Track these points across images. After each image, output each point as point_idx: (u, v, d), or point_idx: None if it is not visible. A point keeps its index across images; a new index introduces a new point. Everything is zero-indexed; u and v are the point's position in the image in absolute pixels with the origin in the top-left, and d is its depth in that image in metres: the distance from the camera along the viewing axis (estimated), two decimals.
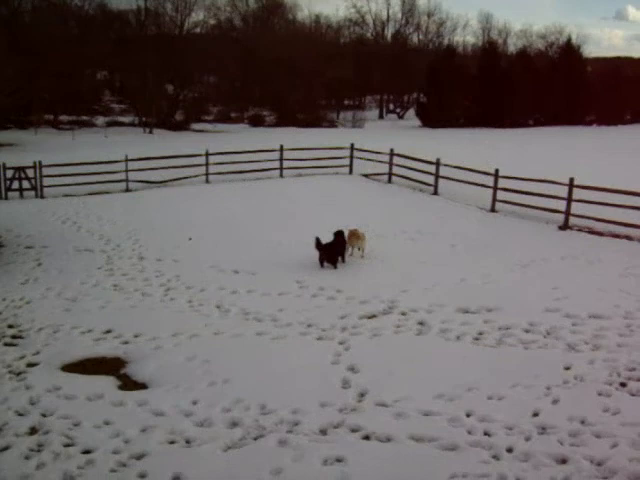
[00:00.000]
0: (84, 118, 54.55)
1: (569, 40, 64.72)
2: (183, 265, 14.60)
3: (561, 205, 18.19)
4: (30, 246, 16.38)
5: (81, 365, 9.60)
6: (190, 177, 25.25)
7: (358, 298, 12.12)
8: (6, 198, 22.85)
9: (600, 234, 17.23)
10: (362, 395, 8.44)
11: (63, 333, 10.72)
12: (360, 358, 9.51)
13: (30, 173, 23.22)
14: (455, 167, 22.20)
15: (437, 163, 22.98)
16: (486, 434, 7.46)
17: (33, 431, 7.69)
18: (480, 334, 10.40)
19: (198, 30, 65.05)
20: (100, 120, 55.34)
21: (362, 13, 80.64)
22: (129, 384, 9.01)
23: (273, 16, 74.81)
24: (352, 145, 27.89)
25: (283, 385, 8.73)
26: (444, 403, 8.17)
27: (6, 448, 7.34)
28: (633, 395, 8.34)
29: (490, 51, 63.19)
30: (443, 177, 22.77)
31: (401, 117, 75.96)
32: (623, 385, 8.60)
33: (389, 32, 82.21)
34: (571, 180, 17.98)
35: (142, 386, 8.94)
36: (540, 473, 6.73)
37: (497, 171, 20.23)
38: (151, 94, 52.22)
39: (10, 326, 11.05)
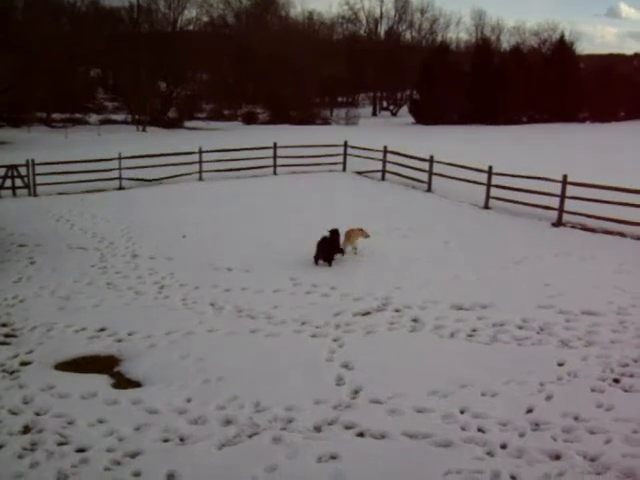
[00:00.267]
0: (77, 116, 54.40)
1: (562, 37, 64.73)
2: (177, 263, 14.58)
3: (554, 202, 18.23)
4: (23, 244, 16.32)
5: (75, 363, 9.57)
6: (184, 175, 25.21)
7: (352, 295, 12.14)
8: None
9: (593, 231, 17.29)
10: (356, 392, 8.45)
11: (57, 331, 10.69)
12: (354, 355, 9.52)
13: (23, 171, 23.10)
14: (448, 164, 22.22)
15: (430, 160, 22.99)
16: (480, 430, 7.48)
17: (27, 430, 7.67)
18: (474, 331, 10.43)
19: (191, 27, 65.02)
20: (93, 118, 55.17)
21: (355, 10, 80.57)
22: (123, 382, 8.99)
23: (266, 13, 74.66)
24: (346, 142, 27.89)
25: (277, 382, 8.73)
26: (438, 400, 8.19)
27: (0, 447, 7.32)
28: (626, 391, 8.39)
29: (483, 48, 63.12)
30: (436, 174, 22.78)
31: (394, 114, 75.91)
32: (616, 381, 8.64)
33: (382, 29, 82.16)
34: (564, 177, 18.02)
35: (136, 384, 8.92)
36: (534, 469, 6.75)
37: (490, 168, 20.26)
38: (144, 92, 52.09)
39: (3, 325, 11.01)
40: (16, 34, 43.73)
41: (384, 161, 25.71)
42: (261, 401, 8.18)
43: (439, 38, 79.68)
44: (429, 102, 57.70)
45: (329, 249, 14.27)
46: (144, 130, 50.15)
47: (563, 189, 17.98)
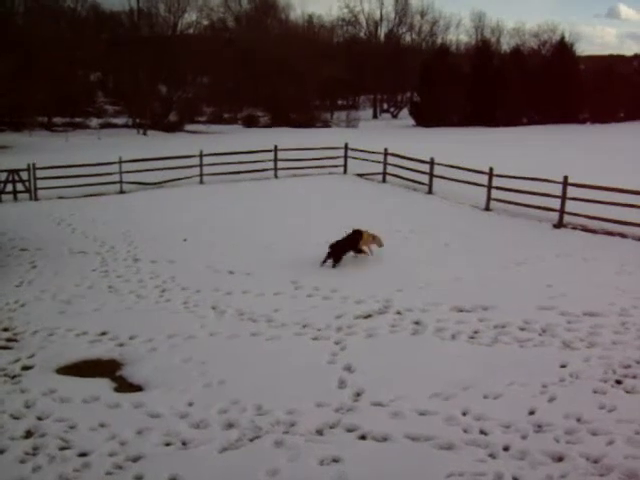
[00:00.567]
0: (78, 120, 54.39)
1: (562, 38, 64.68)
2: (178, 266, 14.58)
3: (555, 203, 18.21)
4: (24, 248, 16.33)
5: (76, 368, 9.57)
6: (184, 178, 25.23)
7: (353, 298, 12.13)
8: (0, 201, 22.78)
9: (594, 232, 17.27)
10: (358, 395, 8.44)
11: (58, 336, 10.69)
12: (356, 358, 9.51)
13: (24, 176, 23.11)
14: (449, 166, 22.21)
15: (431, 162, 22.99)
16: (482, 433, 7.47)
17: (29, 434, 7.67)
18: (475, 333, 10.42)
19: (191, 31, 64.79)
20: (94, 122, 55.14)
21: (355, 13, 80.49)
22: (125, 386, 8.99)
23: (266, 16, 74.59)
24: (346, 145, 27.91)
25: (279, 386, 8.73)
26: (440, 402, 8.18)
27: (2, 452, 7.32)
28: (628, 392, 8.37)
29: (483, 50, 63.15)
30: (437, 176, 22.78)
31: (395, 116, 75.91)
32: (619, 382, 8.62)
33: (382, 32, 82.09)
34: (565, 178, 18.01)
35: (138, 388, 8.92)
36: (536, 471, 6.74)
37: (491, 169, 20.24)
38: (144, 95, 52.10)
39: (5, 329, 11.01)
40: (16, 37, 43.81)
41: (385, 163, 25.70)
42: (263, 404, 8.17)
43: (439, 40, 79.69)
44: (429, 104, 57.74)
45: (343, 249, 14.37)
46: (145, 134, 50.16)
47: (564, 190, 17.96)
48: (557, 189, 18.12)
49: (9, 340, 10.58)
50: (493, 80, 56.68)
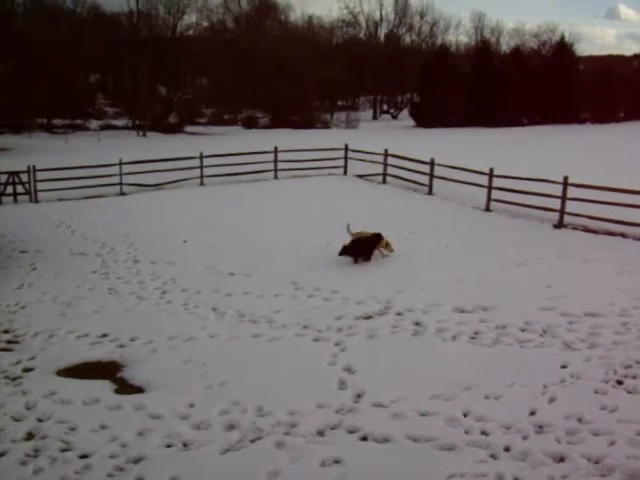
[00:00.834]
0: (77, 122, 54.40)
1: (562, 39, 64.69)
2: (178, 268, 14.58)
3: (555, 204, 18.21)
4: (25, 250, 16.33)
5: (77, 369, 9.57)
6: (184, 180, 25.24)
7: (354, 299, 12.12)
8: (0, 203, 22.77)
9: (595, 232, 17.27)
10: (359, 396, 8.44)
11: (59, 338, 10.68)
12: (356, 359, 9.51)
13: (24, 178, 23.11)
14: (449, 167, 22.20)
15: (431, 163, 22.99)
16: (483, 433, 7.46)
17: (30, 436, 7.67)
18: (476, 333, 10.41)
19: (191, 32, 64.86)
20: (94, 124, 55.14)
21: (355, 14, 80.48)
22: (125, 388, 8.98)
23: (266, 17, 74.60)
24: (346, 146, 27.91)
25: (280, 387, 8.72)
26: (441, 403, 8.18)
27: (3, 454, 7.32)
28: (630, 392, 8.36)
29: (483, 50, 63.18)
30: (437, 177, 22.78)
31: (395, 117, 75.93)
32: (620, 383, 8.62)
33: (382, 32, 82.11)
34: (565, 178, 18.01)
35: (138, 390, 8.91)
36: (538, 472, 6.74)
37: (491, 170, 20.24)
38: (144, 97, 52.09)
39: (5, 331, 11.01)
40: (16, 39, 43.84)
41: (385, 164, 25.70)
42: (264, 406, 8.17)
43: (439, 41, 79.72)
44: (429, 105, 57.78)
45: (371, 248, 14.71)
46: (144, 135, 50.17)
47: (564, 191, 17.96)
48: (557, 189, 18.12)
49: (10, 342, 10.57)
50: (493, 81, 56.71)
